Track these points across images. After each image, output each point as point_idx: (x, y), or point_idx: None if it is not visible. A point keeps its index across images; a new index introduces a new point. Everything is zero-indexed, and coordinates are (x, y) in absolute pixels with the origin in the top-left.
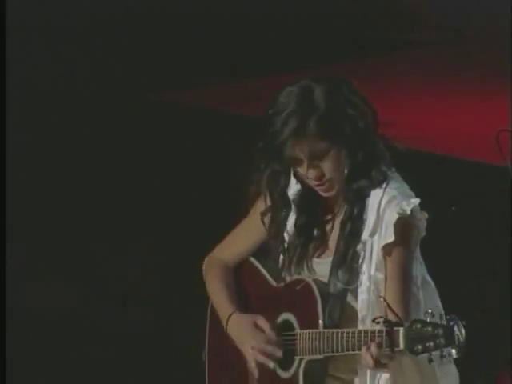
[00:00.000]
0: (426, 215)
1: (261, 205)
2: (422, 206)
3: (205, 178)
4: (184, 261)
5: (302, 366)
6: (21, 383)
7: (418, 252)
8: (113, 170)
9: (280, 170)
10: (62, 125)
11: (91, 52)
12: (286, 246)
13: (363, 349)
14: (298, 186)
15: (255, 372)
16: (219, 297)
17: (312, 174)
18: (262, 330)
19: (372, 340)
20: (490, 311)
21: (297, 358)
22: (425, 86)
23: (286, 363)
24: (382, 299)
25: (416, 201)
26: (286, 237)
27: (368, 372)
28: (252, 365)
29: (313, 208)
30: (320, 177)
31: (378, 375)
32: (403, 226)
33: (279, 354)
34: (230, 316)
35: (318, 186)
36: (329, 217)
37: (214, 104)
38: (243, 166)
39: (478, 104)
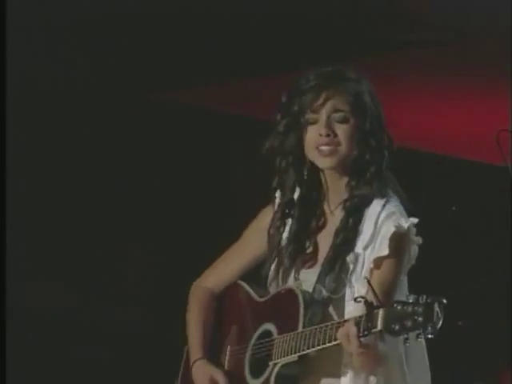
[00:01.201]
0: (420, 241)
1: (262, 218)
2: (418, 229)
3: (205, 177)
4: (184, 261)
5: (275, 370)
6: (21, 383)
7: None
8: (113, 170)
9: (296, 122)
10: (62, 125)
11: (91, 52)
12: (278, 253)
13: (340, 335)
14: (298, 192)
15: None
16: (193, 337)
17: (324, 130)
18: None
19: None
20: (489, 311)
21: (270, 364)
22: (425, 85)
23: (258, 371)
24: (365, 280)
25: (414, 220)
26: (282, 243)
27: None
28: None
29: (308, 217)
30: (331, 136)
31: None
32: (398, 241)
33: None
34: (194, 362)
35: (324, 145)
36: (322, 229)
37: (214, 104)
38: (243, 166)
39: (478, 104)
